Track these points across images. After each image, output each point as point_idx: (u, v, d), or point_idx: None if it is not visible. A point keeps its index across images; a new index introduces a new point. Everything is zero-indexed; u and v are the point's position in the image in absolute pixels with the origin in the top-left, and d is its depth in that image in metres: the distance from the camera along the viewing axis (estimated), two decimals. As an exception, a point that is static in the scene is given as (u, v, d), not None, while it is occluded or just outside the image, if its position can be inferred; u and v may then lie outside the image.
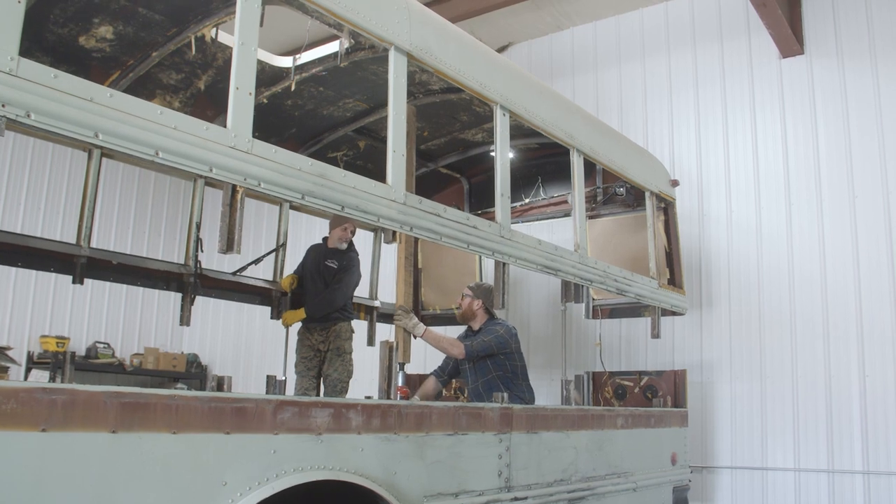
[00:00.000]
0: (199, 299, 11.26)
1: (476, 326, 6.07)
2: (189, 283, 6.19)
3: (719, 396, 7.70)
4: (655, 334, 6.38)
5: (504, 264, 4.51)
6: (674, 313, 6.81)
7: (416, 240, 8.15)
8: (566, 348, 8.43)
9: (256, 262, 6.94)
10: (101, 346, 11.24)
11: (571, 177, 5.36)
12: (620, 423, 5.46)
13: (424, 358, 7.84)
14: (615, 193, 7.04)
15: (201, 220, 6.32)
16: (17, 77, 2.46)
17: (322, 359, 6.76)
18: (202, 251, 6.25)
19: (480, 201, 7.61)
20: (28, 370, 10.45)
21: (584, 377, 5.76)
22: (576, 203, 5.33)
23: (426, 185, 7.54)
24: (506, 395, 4.36)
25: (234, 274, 6.69)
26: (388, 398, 3.63)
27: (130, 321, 11.99)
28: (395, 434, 3.54)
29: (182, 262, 6.28)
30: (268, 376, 6.46)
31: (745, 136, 8.04)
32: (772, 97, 7.94)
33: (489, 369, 5.88)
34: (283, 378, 6.47)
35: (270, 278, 6.92)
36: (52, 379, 10.68)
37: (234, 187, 3.17)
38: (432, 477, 3.71)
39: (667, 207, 6.83)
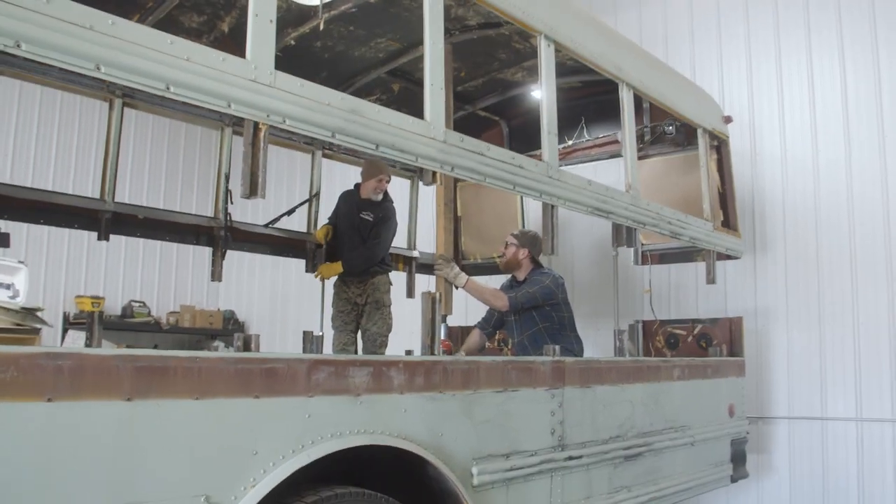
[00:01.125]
0: (233, 255, 11.14)
1: (521, 276, 5.76)
2: (219, 236, 5.97)
3: (775, 344, 7.32)
4: (711, 279, 6.01)
5: (553, 207, 4.17)
6: (728, 257, 6.42)
7: (455, 185, 7.86)
8: (616, 296, 8.14)
9: (289, 213, 6.69)
10: (137, 304, 11.14)
11: (621, 113, 4.97)
12: (677, 374, 5.14)
13: (466, 309, 7.54)
14: (664, 132, 6.61)
15: (230, 171, 6.07)
16: (4, 2, 2.15)
17: (360, 312, 6.52)
18: (232, 203, 6.01)
19: (522, 145, 7.20)
20: (65, 331, 10.41)
21: (638, 326, 5.44)
22: (626, 141, 4.95)
23: (464, 128, 7.06)
24: (557, 347, 4.06)
25: (266, 226, 6.44)
26: (432, 354, 3.32)
27: (166, 279, 11.84)
28: (441, 393, 3.26)
29: (212, 215, 6.04)
30: (304, 332, 6.23)
31: (799, 68, 7.52)
32: (829, 23, 7.40)
33: (535, 321, 5.58)
34: (321, 333, 6.26)
35: (304, 230, 6.69)
36: (89, 340, 10.68)
37: (255, 125, 2.86)
38: (481, 438, 3.44)
39: (720, 146, 6.41)
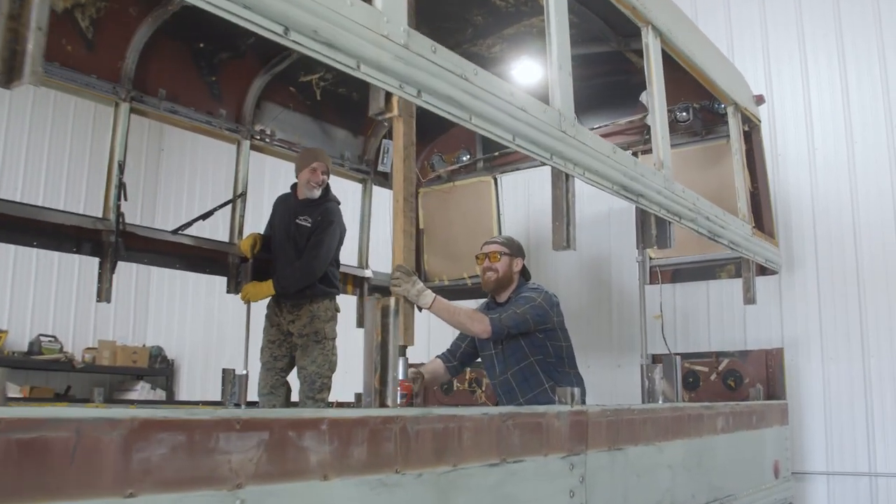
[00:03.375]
0: (163, 280, 9.53)
1: (504, 297, 4.34)
2: (108, 242, 4.54)
3: (808, 381, 5.96)
4: (750, 298, 4.69)
5: (566, 177, 2.79)
6: (763, 271, 5.11)
7: (417, 190, 6.47)
8: (611, 324, 6.80)
9: (205, 216, 5.27)
10: (47, 339, 9.51)
11: (646, 68, 3.65)
12: (721, 424, 3.77)
13: (428, 340, 6.14)
14: (676, 120, 5.32)
15: (125, 158, 4.67)
16: None
17: (294, 345, 5.09)
18: (125, 199, 4.60)
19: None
20: (-44, 370, 8.81)
21: (676, 360, 4.04)
22: (655, 104, 3.62)
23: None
24: (576, 390, 2.66)
25: (174, 232, 5.02)
26: (382, 404, 1.91)
27: (84, 310, 10.21)
28: (397, 473, 1.85)
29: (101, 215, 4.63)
30: (224, 370, 4.96)
31: (828, 49, 6.30)
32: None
33: (524, 353, 4.16)
34: (245, 372, 4.91)
35: (226, 239, 5.28)
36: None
37: None
38: (466, 546, 2.02)
39: (750, 131, 5.13)
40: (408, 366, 3.65)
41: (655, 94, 3.60)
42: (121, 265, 9.67)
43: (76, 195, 9.61)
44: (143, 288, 10.87)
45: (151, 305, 10.90)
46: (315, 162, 5.07)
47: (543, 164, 2.73)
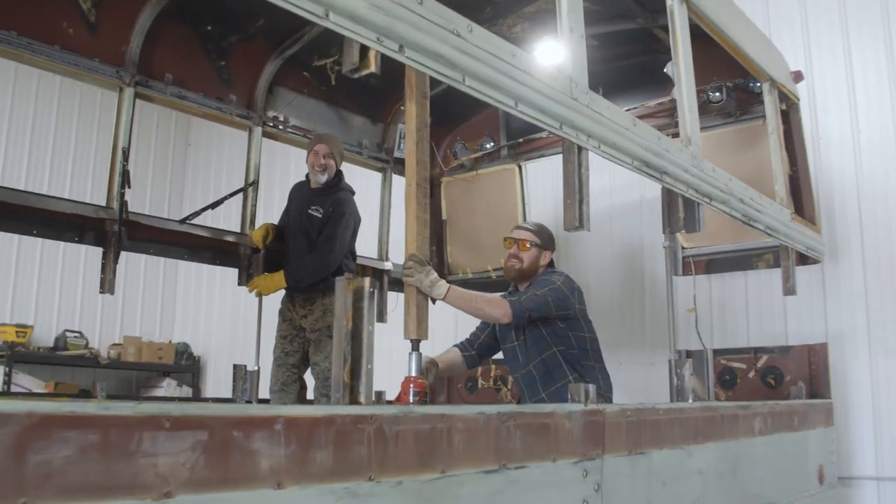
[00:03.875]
0: (190, 275, 9.38)
1: (525, 286, 4.09)
2: (111, 232, 4.37)
3: (855, 379, 5.57)
4: (789, 288, 4.35)
5: (579, 150, 2.51)
6: (804, 260, 4.77)
7: (439, 180, 6.24)
8: (644, 319, 6.47)
9: (214, 205, 5.08)
10: (72, 335, 9.44)
11: (671, 37, 3.34)
12: (759, 426, 3.45)
13: (456, 331, 5.87)
14: (708, 101, 4.99)
15: (129, 145, 4.50)
16: None
17: (307, 341, 4.88)
18: (129, 187, 4.43)
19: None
20: (-16, 366, 8.76)
21: (707, 355, 3.73)
22: (681, 77, 3.31)
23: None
24: (591, 387, 2.38)
25: (181, 222, 4.84)
26: (353, 400, 1.65)
27: (111, 306, 10.12)
28: (372, 481, 1.59)
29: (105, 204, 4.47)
30: (235, 366, 4.78)
31: (873, 24, 5.90)
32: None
33: (546, 342, 3.89)
34: (257, 368, 4.72)
35: (238, 229, 5.10)
36: (7, 375, 9.06)
37: None
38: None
39: (788, 110, 4.78)
40: (420, 360, 3.37)
41: (682, 65, 3.29)
42: (149, 260, 9.60)
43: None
44: (170, 283, 10.77)
45: (179, 301, 10.79)
46: (317, 144, 4.86)
47: (552, 133, 2.44)
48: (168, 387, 9.91)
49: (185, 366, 10.23)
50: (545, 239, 4.06)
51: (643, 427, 2.58)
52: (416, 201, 3.40)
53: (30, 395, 7.46)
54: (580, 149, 2.51)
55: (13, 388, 8.46)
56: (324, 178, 4.86)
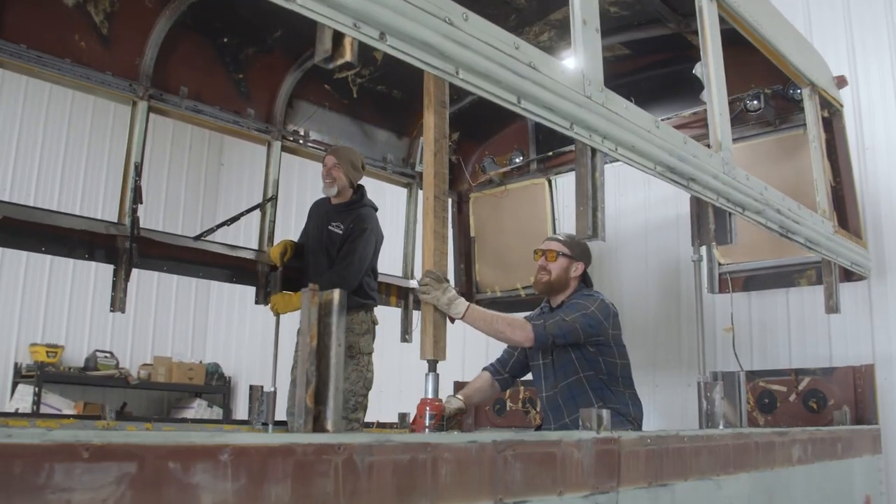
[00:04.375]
0: (221, 296, 9.32)
1: (557, 302, 3.88)
2: (123, 249, 4.26)
3: (906, 404, 5.26)
4: (832, 306, 4.07)
5: (593, 151, 2.30)
6: (849, 276, 4.48)
7: (468, 196, 6.07)
8: (680, 339, 6.18)
9: (230, 222, 4.98)
10: (103, 355, 9.41)
11: (700, 37, 3.12)
12: (798, 454, 3.18)
13: (462, 357, 5.68)
14: (745, 109, 4.76)
15: (142, 159, 4.40)
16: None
17: (326, 360, 4.71)
18: (141, 202, 4.33)
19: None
20: (14, 385, 8.77)
21: (739, 377, 3.47)
22: (711, 78, 3.09)
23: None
24: (604, 412, 2.16)
25: (196, 238, 4.72)
26: (316, 427, 1.45)
27: (142, 327, 10.10)
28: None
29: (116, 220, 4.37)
30: (251, 387, 4.60)
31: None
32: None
33: (574, 367, 3.67)
34: (273, 389, 4.56)
35: (255, 246, 4.97)
36: (36, 395, 9.04)
37: None
38: None
39: (831, 117, 4.52)
40: (437, 381, 3.17)
41: (711, 65, 3.07)
42: (181, 280, 9.50)
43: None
44: (202, 304, 10.74)
45: (210, 321, 10.74)
46: (326, 156, 4.75)
47: (564, 132, 2.24)
48: (199, 408, 9.84)
49: (216, 386, 10.15)
50: (576, 250, 3.85)
51: (665, 456, 2.35)
52: (435, 215, 3.20)
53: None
54: (594, 151, 2.31)
55: (42, 409, 8.46)
56: (333, 191, 4.74)
